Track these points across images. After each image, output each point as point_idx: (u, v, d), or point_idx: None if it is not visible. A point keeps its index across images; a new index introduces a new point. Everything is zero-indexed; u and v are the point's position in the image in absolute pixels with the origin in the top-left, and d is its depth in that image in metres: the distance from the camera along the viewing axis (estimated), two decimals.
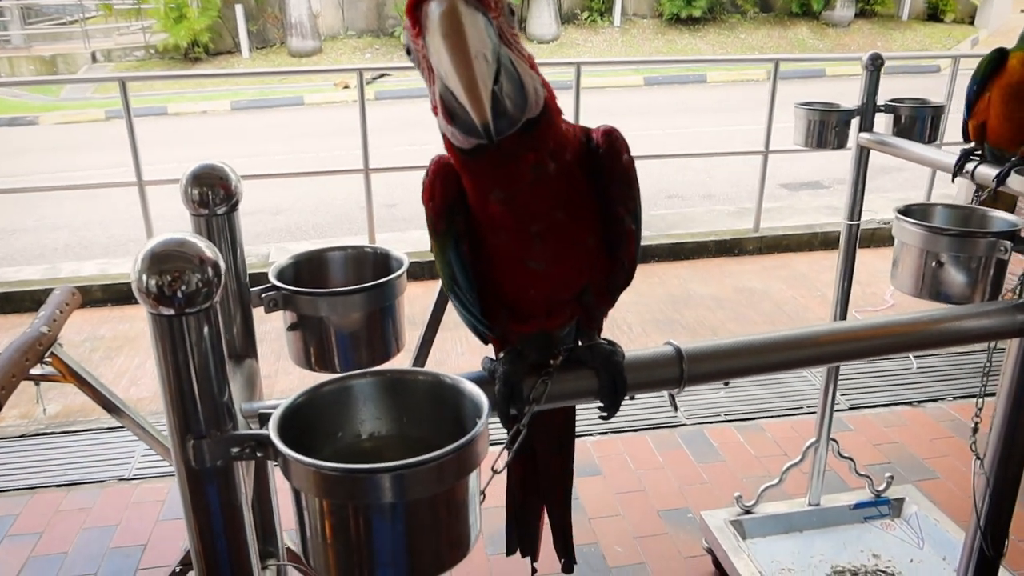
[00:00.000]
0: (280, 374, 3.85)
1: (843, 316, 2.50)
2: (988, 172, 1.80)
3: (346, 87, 12.41)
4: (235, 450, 0.72)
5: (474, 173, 0.88)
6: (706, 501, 2.90)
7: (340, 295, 1.07)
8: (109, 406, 2.37)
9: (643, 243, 4.67)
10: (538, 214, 0.89)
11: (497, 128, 0.78)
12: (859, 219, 2.42)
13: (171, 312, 0.67)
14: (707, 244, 5.47)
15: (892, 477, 2.75)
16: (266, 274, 1.13)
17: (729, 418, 3.49)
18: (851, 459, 2.70)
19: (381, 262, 1.18)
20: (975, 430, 1.28)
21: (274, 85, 13.14)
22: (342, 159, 7.65)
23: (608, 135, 0.93)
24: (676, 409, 1.02)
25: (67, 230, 6.64)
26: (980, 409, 1.30)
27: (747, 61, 13.86)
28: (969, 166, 1.80)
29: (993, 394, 1.32)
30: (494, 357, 1.02)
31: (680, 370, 1.02)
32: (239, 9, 14.56)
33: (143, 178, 4.86)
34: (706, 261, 5.46)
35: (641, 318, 4.62)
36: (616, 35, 15.71)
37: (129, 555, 2.70)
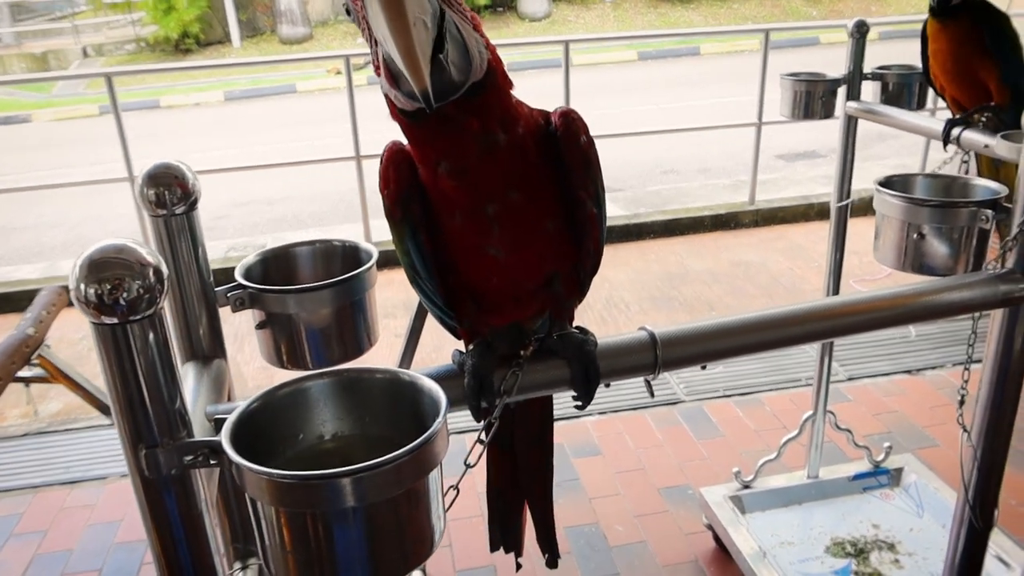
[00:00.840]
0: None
1: (836, 290, 2.47)
2: (975, 138, 1.78)
3: (338, 73, 12.33)
4: (189, 458, 0.71)
5: (420, 141, 0.87)
6: (706, 477, 2.90)
7: (308, 291, 1.06)
8: (101, 406, 2.37)
9: (639, 220, 4.60)
10: (491, 192, 0.87)
11: (438, 92, 0.76)
12: (849, 193, 2.39)
13: (114, 321, 0.65)
14: (703, 219, 5.44)
15: (891, 447, 2.75)
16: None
17: (728, 393, 3.48)
18: (849, 431, 2.69)
19: (351, 255, 1.16)
20: (962, 402, 1.27)
21: (266, 74, 13.06)
22: (336, 146, 7.60)
23: (565, 116, 0.90)
24: (652, 395, 1.01)
25: (64, 227, 6.64)
26: (966, 381, 1.28)
27: (737, 32, 13.75)
28: (955, 132, 1.79)
29: (980, 361, 1.31)
30: (464, 350, 1.00)
31: (655, 355, 1.00)
32: None
33: (134, 174, 4.84)
34: (702, 236, 5.43)
35: (638, 296, 4.61)
36: (608, 11, 15.57)
37: (134, 550, 2.71)
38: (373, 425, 0.80)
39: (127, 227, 6.28)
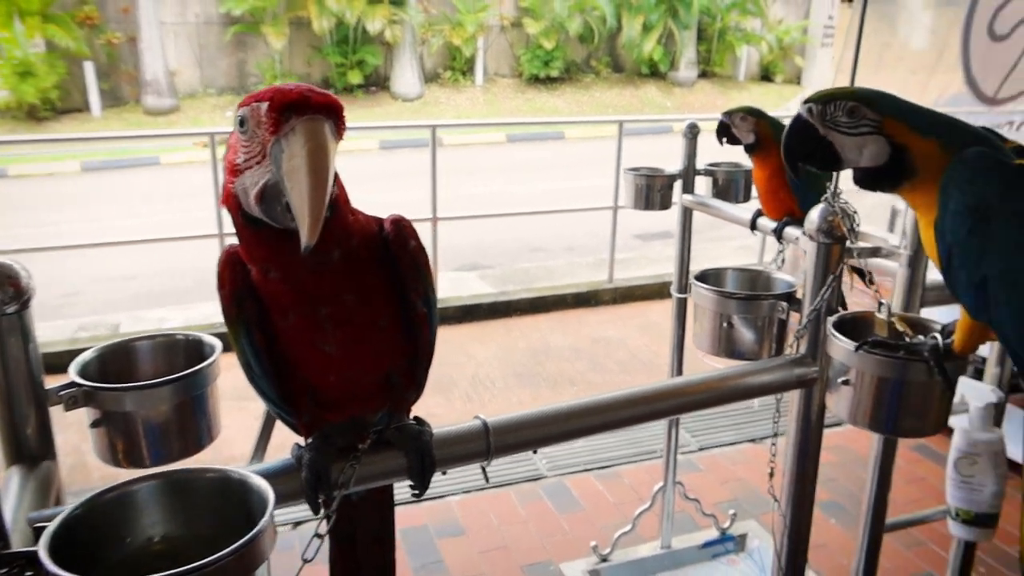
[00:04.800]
0: None
1: (680, 370, 2.65)
2: (795, 232, 2.01)
3: (205, 146, 12.08)
4: (3, 571, 0.70)
5: (256, 247, 0.91)
6: (567, 552, 2.96)
7: (147, 388, 1.06)
8: None
9: (506, 298, 4.71)
10: (323, 297, 0.92)
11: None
12: (687, 281, 2.59)
13: None
14: (566, 296, 5.66)
15: (735, 514, 2.92)
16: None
17: (589, 467, 3.58)
18: (697, 500, 2.84)
19: (194, 348, 1.17)
20: (771, 474, 1.40)
21: (129, 144, 12.60)
22: (200, 221, 7.41)
23: (396, 224, 0.98)
24: (487, 480, 1.07)
25: None
26: (774, 455, 1.43)
27: (595, 122, 14.75)
28: (760, 220, 2.04)
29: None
30: (303, 443, 1.03)
31: (487, 443, 1.07)
32: (88, 66, 13.96)
33: None
34: (566, 313, 5.64)
35: (504, 373, 4.70)
36: (478, 94, 16.18)
37: None
38: (204, 525, 0.81)
39: None
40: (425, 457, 1.02)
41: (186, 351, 1.17)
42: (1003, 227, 1.03)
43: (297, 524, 3.07)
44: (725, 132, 2.10)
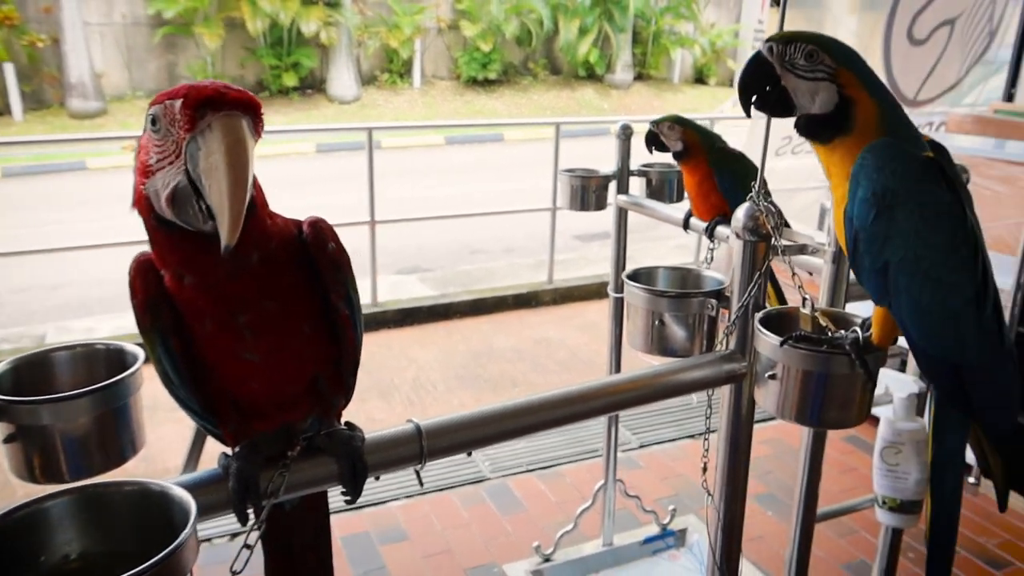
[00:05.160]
0: None
1: (618, 367, 2.67)
2: (726, 231, 2.05)
3: (134, 150, 11.72)
4: None
5: (169, 251, 0.89)
6: (510, 554, 2.96)
7: (64, 400, 1.02)
8: None
9: (447, 300, 4.70)
10: (243, 303, 0.90)
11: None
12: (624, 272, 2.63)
13: None
14: (507, 298, 5.67)
15: (675, 509, 2.96)
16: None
17: (531, 467, 3.59)
18: (637, 497, 2.88)
19: (115, 359, 1.13)
20: (704, 469, 1.43)
21: (52, 149, 12.13)
22: (130, 227, 7.18)
23: (313, 226, 0.96)
24: (421, 484, 1.06)
25: None
26: (706, 450, 1.45)
27: (533, 124, 14.89)
28: (692, 221, 2.08)
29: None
30: (230, 452, 1.01)
31: (420, 447, 1.06)
32: (8, 68, 13.40)
33: None
34: (507, 314, 5.65)
35: (445, 376, 4.68)
36: (416, 96, 16.09)
37: None
38: (122, 540, 0.79)
39: None
40: (356, 463, 1.01)
41: (107, 361, 1.13)
42: (905, 216, 1.08)
43: (235, 536, 3.00)
44: (654, 141, 2.14)
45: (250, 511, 0.96)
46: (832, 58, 1.13)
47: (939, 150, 1.16)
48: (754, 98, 1.19)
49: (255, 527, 0.94)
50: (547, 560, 2.73)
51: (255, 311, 0.91)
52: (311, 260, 0.95)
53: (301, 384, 1.00)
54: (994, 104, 5.17)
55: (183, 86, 0.82)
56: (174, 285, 0.90)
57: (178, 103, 0.81)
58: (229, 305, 0.90)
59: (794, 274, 1.31)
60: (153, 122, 0.84)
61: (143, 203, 0.86)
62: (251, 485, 0.95)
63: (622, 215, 2.56)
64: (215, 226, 0.80)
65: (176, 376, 0.96)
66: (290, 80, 15.17)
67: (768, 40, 1.16)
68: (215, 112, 0.79)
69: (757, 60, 1.17)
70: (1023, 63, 5.17)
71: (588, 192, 2.54)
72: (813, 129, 1.16)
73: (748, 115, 1.22)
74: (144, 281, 0.92)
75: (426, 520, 3.21)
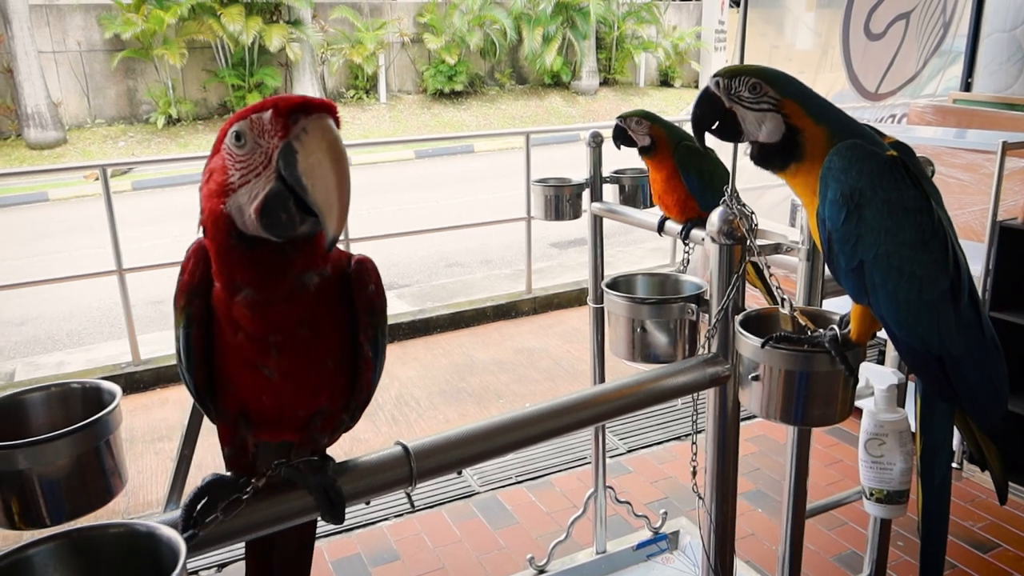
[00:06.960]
0: None
1: (603, 377, 2.67)
2: (701, 234, 2.06)
3: (96, 179, 11.56)
4: None
5: (238, 266, 0.89)
6: (505, 568, 2.94)
7: (40, 443, 0.99)
8: None
9: (426, 315, 4.70)
10: (281, 325, 0.92)
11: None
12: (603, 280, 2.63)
13: None
14: (486, 310, 5.66)
15: (666, 512, 2.96)
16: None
17: (520, 479, 3.58)
18: (628, 502, 2.88)
19: (92, 397, 1.10)
20: (694, 472, 1.43)
21: (11, 181, 11.92)
22: (96, 258, 7.08)
23: (360, 263, 0.98)
24: (412, 507, 1.05)
25: None
26: (695, 454, 1.45)
27: (502, 135, 14.92)
28: (668, 224, 2.09)
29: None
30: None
31: (410, 468, 1.05)
32: None
33: None
34: (486, 326, 5.64)
35: (428, 391, 4.66)
36: (383, 111, 16.06)
37: None
38: None
39: None
40: (329, 491, 1.00)
41: (84, 400, 1.11)
42: (875, 213, 1.11)
43: (221, 567, 2.95)
44: (621, 136, 2.15)
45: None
46: (776, 89, 1.17)
47: (903, 149, 1.19)
48: (708, 124, 1.25)
49: (186, 536, 0.91)
50: (542, 572, 2.72)
51: (290, 334, 0.93)
52: (350, 296, 0.97)
53: (305, 412, 1.00)
54: (953, 94, 5.28)
55: (266, 100, 0.85)
56: (224, 294, 0.92)
57: (267, 114, 0.83)
58: (270, 322, 0.91)
59: (771, 275, 1.32)
60: (237, 137, 0.85)
61: (222, 223, 0.87)
62: (211, 499, 0.94)
63: (597, 223, 2.57)
64: (311, 226, 0.84)
65: (187, 360, 0.98)
66: (254, 100, 15.05)
67: (715, 75, 1.22)
68: (307, 116, 0.82)
69: (707, 94, 1.23)
70: (978, 53, 5.28)
71: (562, 201, 2.54)
72: (766, 158, 1.21)
73: (702, 145, 1.28)
74: (194, 267, 0.94)
75: (417, 539, 3.18)
